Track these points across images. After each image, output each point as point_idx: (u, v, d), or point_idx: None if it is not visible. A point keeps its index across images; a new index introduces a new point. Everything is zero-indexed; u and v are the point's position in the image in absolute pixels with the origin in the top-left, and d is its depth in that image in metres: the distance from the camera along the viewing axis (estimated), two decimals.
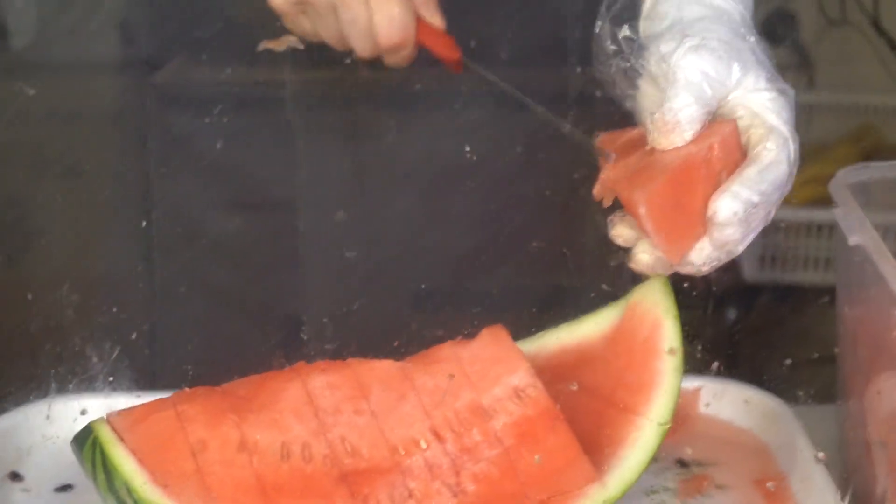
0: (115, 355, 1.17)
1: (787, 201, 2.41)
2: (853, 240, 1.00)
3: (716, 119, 1.00)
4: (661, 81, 1.00)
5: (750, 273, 2.14)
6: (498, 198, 1.29)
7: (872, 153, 2.33)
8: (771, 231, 2.18)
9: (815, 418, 1.14)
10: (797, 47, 2.49)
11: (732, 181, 0.95)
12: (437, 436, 0.98)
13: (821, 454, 1.06)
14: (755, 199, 0.96)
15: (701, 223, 0.96)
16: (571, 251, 1.30)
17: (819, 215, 2.14)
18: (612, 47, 1.06)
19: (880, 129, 2.42)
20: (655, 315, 1.03)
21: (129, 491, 0.93)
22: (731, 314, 1.97)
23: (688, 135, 0.97)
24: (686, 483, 1.10)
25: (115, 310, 1.28)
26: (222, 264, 1.32)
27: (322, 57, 1.18)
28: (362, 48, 1.11)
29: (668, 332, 1.02)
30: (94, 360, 1.15)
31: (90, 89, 1.33)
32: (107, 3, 1.31)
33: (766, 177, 0.96)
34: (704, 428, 1.18)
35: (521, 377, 1.01)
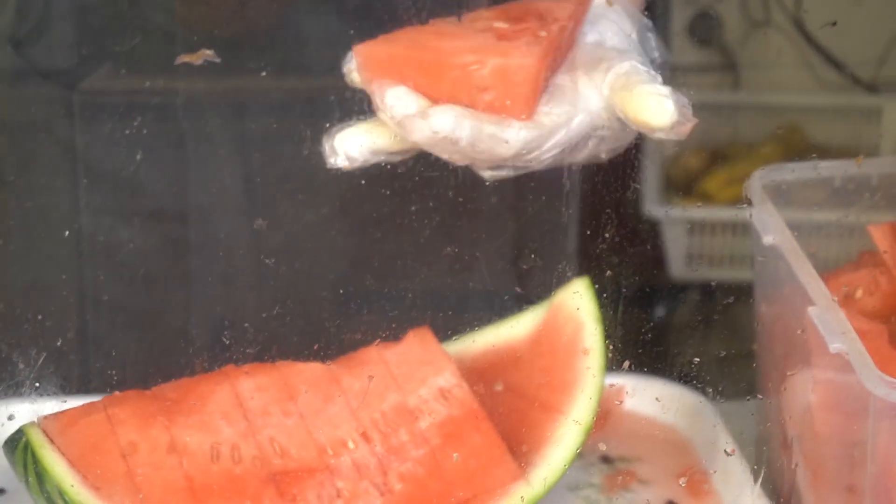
0: (41, 361, 1.17)
1: (713, 200, 2.45)
2: (767, 239, 1.03)
3: None
4: None
5: (676, 271, 2.17)
6: (411, 202, 1.30)
7: (797, 153, 2.36)
8: (697, 230, 2.20)
9: (737, 413, 1.17)
10: (722, 49, 2.51)
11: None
12: (365, 436, 1.00)
13: (730, 448, 1.09)
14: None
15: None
16: (484, 255, 1.32)
17: (744, 214, 2.17)
18: None
19: (804, 128, 2.46)
20: (578, 316, 1.05)
21: (61, 493, 0.94)
22: (657, 312, 2.00)
23: None
24: (610, 479, 1.12)
25: (39, 317, 1.28)
26: (145, 272, 1.33)
27: (238, 67, 1.19)
28: None
29: (588, 333, 1.04)
30: (21, 365, 1.15)
31: (13, 98, 1.34)
32: (30, 14, 1.31)
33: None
34: (628, 424, 1.19)
35: (447, 378, 1.02)
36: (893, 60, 2.49)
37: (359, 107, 0.99)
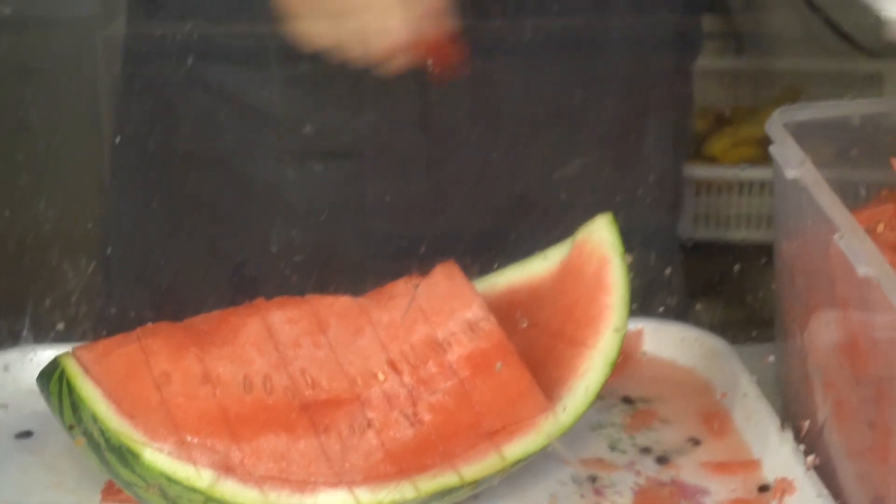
0: (69, 306, 1.18)
1: (720, 161, 2.46)
2: (790, 173, 1.03)
3: None
4: None
5: (685, 231, 2.18)
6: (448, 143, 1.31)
7: None
8: (704, 190, 2.22)
9: (756, 354, 1.18)
10: (725, 15, 2.52)
11: None
12: (394, 368, 1.01)
13: (751, 389, 1.10)
14: None
15: None
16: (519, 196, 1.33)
17: (751, 174, 2.19)
18: None
19: (807, 90, 2.47)
20: (602, 252, 1.06)
21: (96, 420, 0.95)
22: (667, 269, 2.01)
23: None
24: (632, 418, 1.13)
25: (68, 259, 1.29)
26: (178, 210, 1.33)
27: None
28: (360, 52, 1.13)
29: (613, 267, 1.05)
30: (50, 310, 1.16)
31: (39, 44, 1.34)
32: None
33: None
34: (648, 367, 1.21)
35: (475, 311, 1.03)
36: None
37: None
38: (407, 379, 1.00)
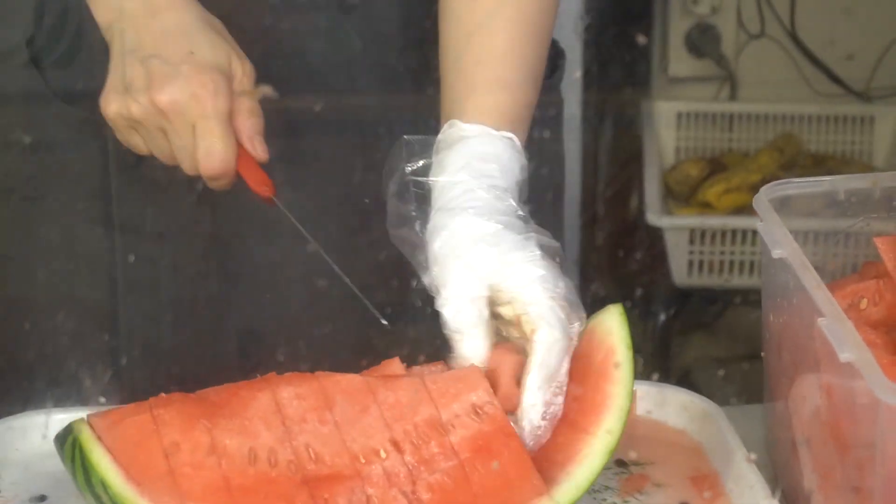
0: (82, 373, 1.21)
1: (713, 209, 2.48)
2: (776, 253, 1.07)
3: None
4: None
5: (679, 279, 2.21)
6: None
7: (793, 161, 2.41)
8: (698, 238, 2.24)
9: (745, 418, 1.21)
10: (719, 60, 2.56)
11: (522, 393, 1.06)
12: (397, 446, 1.03)
13: (753, 455, 1.12)
14: (546, 391, 1.06)
15: None
16: None
17: (743, 222, 2.22)
18: (402, 213, 1.15)
19: (799, 137, 2.50)
20: (611, 342, 1.09)
21: (105, 488, 0.99)
22: (662, 318, 2.04)
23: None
24: (626, 482, 1.16)
25: (83, 330, 1.31)
26: (176, 288, 1.36)
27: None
28: (188, 168, 1.18)
29: (619, 364, 1.08)
30: (65, 377, 1.19)
31: (47, 119, 1.36)
32: (62, 40, 1.34)
33: (547, 364, 1.06)
34: (642, 429, 1.23)
35: (480, 395, 1.06)
36: (885, 70, 2.54)
37: None
38: (408, 458, 1.03)
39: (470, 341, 1.08)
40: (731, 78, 2.58)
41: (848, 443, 1.00)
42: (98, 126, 1.22)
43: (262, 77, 1.21)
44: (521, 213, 1.13)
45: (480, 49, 1.18)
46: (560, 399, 1.07)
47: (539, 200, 1.18)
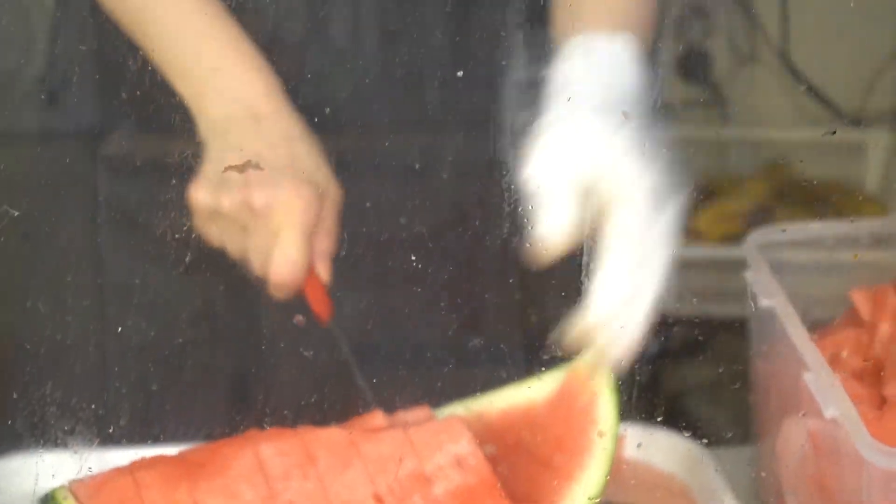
0: (74, 412, 1.20)
1: (702, 238, 2.47)
2: (764, 302, 1.07)
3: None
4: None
5: (668, 308, 2.19)
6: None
7: (783, 189, 2.41)
8: (685, 267, 2.23)
9: (734, 460, 1.20)
10: (710, 84, 2.56)
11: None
12: (380, 501, 1.03)
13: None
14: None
15: None
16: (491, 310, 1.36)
17: (733, 252, 2.20)
18: None
19: (790, 165, 2.50)
20: (593, 385, 1.09)
21: None
22: (652, 349, 2.03)
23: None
24: None
25: (68, 373, 1.31)
26: (178, 335, 1.36)
27: None
28: (258, 269, 1.18)
29: (602, 407, 1.08)
30: (48, 420, 1.18)
31: (34, 159, 1.36)
32: (47, 77, 1.34)
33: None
34: (630, 472, 1.22)
35: (463, 446, 1.06)
36: (877, 95, 2.54)
37: None
38: None
39: (554, 213, 1.06)
40: (722, 102, 2.58)
41: (835, 497, 1.00)
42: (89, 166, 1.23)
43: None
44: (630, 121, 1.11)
45: None
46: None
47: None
